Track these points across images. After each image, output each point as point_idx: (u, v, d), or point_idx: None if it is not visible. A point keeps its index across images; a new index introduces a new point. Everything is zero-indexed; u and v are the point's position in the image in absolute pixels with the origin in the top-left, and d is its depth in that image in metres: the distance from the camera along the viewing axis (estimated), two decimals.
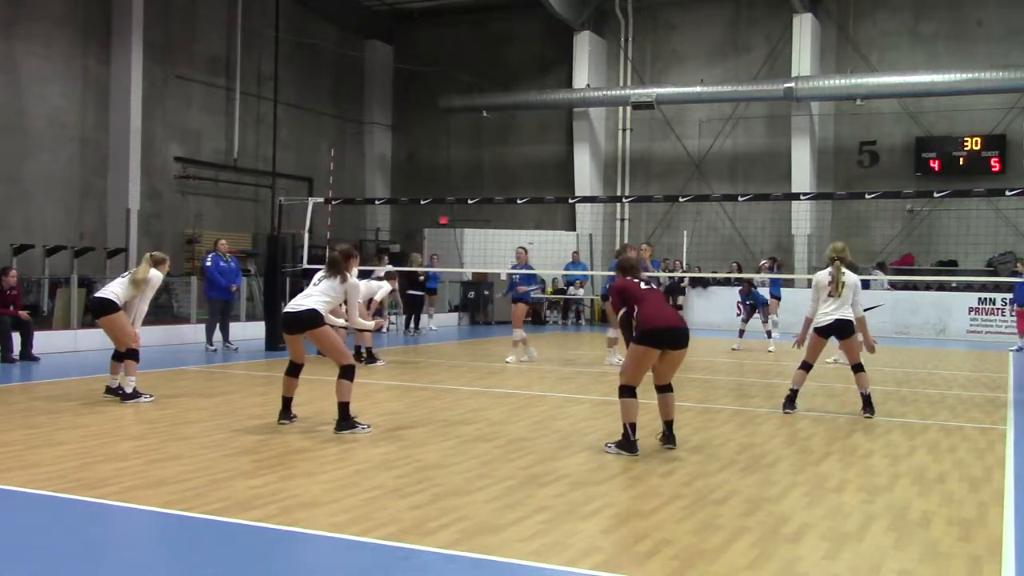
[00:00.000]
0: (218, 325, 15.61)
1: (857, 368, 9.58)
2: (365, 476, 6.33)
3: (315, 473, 6.41)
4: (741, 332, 17.75)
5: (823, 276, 9.51)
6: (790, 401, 9.68)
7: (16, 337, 13.19)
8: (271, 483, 6.06)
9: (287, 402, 8.41)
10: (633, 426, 7.27)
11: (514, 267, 14.99)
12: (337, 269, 8.32)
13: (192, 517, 5.27)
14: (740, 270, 20.22)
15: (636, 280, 7.68)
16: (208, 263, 15.68)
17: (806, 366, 9.60)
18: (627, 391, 7.31)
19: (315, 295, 8.25)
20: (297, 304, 8.26)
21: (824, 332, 9.46)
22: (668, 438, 7.59)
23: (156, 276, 9.77)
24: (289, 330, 8.34)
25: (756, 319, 17.96)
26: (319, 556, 4.77)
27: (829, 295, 9.39)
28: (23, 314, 13.35)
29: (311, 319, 8.10)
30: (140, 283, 9.67)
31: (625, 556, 4.76)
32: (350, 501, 5.64)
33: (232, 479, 6.16)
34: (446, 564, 4.59)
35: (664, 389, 7.57)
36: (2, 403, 9.58)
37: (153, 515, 5.35)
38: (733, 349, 17.11)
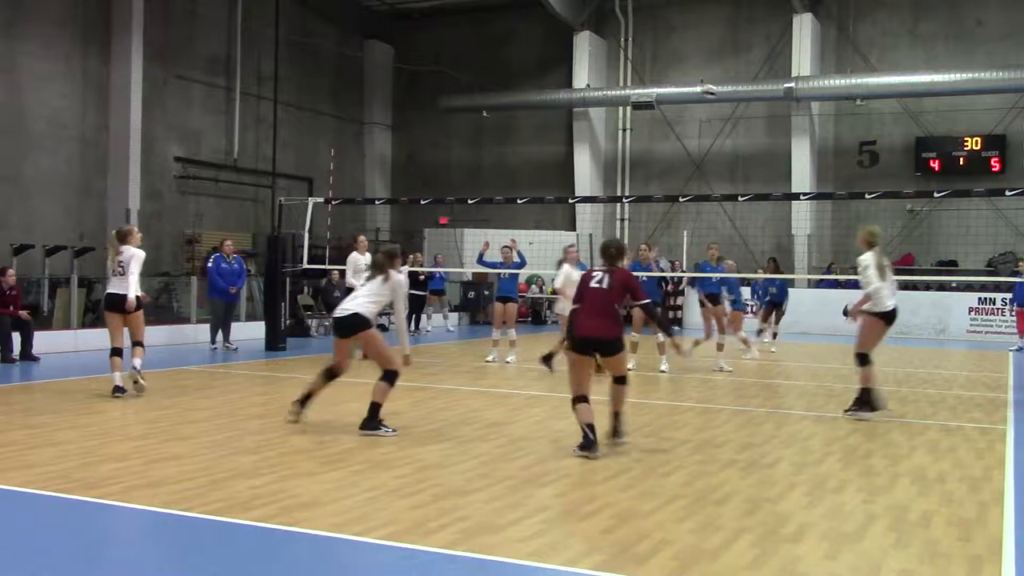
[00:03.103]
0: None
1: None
2: (365, 476, 6.33)
3: (315, 473, 6.41)
4: (760, 331, 17.10)
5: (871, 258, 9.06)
6: (867, 404, 9.08)
7: (16, 337, 13.19)
8: (271, 483, 6.06)
9: (307, 398, 8.26)
10: (590, 426, 7.22)
11: (500, 265, 14.82)
12: (381, 269, 8.30)
13: (192, 517, 5.27)
14: (777, 268, 19.67)
15: (593, 274, 7.58)
16: (210, 264, 15.83)
17: (867, 360, 9.06)
18: (575, 400, 7.32)
19: (360, 297, 8.26)
20: (343, 308, 8.26)
21: (889, 318, 9.13)
22: (615, 431, 7.53)
23: (127, 250, 9.87)
24: (338, 334, 8.32)
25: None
26: (319, 556, 4.77)
27: (882, 278, 9.03)
28: (23, 314, 13.35)
29: (356, 322, 8.06)
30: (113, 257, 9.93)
31: (625, 556, 4.76)
32: (350, 501, 5.64)
33: (232, 479, 6.16)
34: (446, 564, 4.60)
35: (617, 380, 7.53)
36: (2, 403, 9.59)
37: (153, 515, 5.35)
38: (772, 352, 16.43)
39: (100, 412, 8.87)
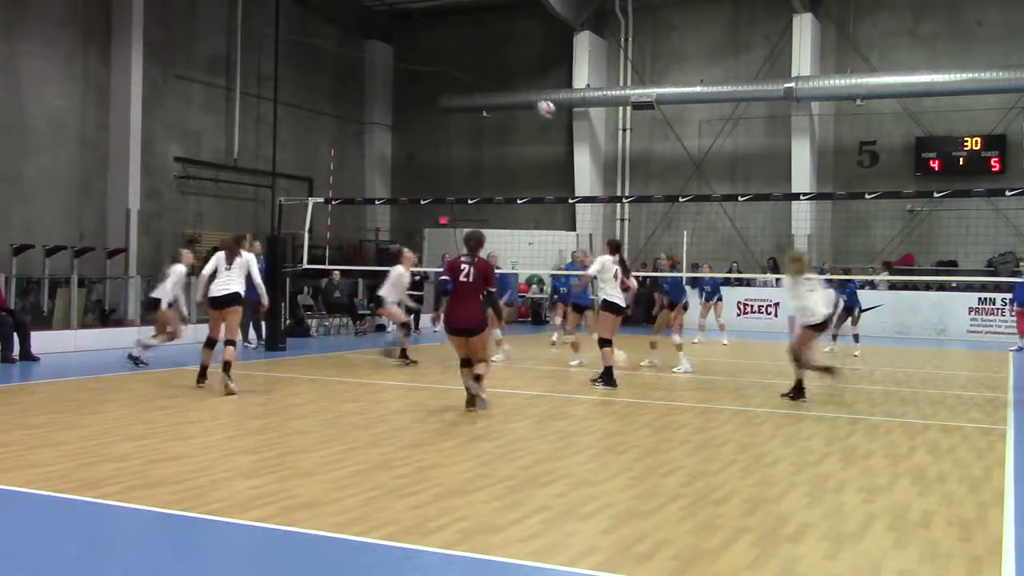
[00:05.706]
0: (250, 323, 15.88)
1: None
2: (365, 476, 6.33)
3: (315, 473, 6.41)
4: (834, 336, 16.51)
5: None
6: None
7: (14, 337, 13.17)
8: (271, 483, 6.06)
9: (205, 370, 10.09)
10: (477, 378, 8.95)
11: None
12: (231, 253, 10.30)
13: (192, 517, 5.27)
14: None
15: (462, 265, 8.82)
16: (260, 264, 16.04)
17: None
18: (460, 364, 9.19)
19: (233, 278, 10.29)
20: (221, 288, 10.21)
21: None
22: (471, 400, 9.04)
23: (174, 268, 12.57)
24: (214, 307, 10.30)
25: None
26: (319, 556, 4.77)
27: None
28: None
29: (232, 299, 10.24)
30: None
31: (625, 556, 4.76)
32: (350, 501, 5.64)
33: (232, 479, 6.16)
34: (446, 564, 4.60)
35: (463, 364, 9.11)
36: (2, 403, 9.58)
37: (153, 515, 5.35)
38: (855, 355, 16.02)
39: (100, 412, 8.87)
